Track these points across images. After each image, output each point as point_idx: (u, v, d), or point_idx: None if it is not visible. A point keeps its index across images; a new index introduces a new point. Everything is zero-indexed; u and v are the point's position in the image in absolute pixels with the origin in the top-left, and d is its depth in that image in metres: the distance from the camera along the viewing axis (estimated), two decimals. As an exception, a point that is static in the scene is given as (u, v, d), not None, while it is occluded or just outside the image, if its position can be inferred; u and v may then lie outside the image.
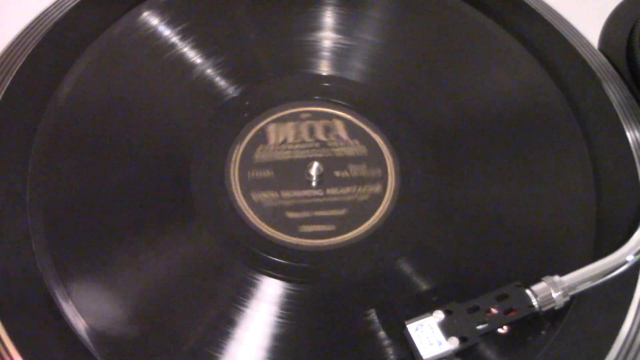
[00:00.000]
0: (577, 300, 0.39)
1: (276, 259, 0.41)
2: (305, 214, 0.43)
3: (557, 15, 0.53)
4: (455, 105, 0.48)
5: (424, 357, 0.36)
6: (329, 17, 0.51)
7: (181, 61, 0.47)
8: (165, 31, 0.49)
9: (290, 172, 0.44)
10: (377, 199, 0.44)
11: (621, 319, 0.39)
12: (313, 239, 0.42)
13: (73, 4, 0.49)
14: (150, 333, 0.37)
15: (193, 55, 0.48)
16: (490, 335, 0.37)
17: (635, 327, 0.39)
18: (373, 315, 0.38)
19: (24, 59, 0.45)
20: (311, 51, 0.49)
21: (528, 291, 0.38)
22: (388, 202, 0.43)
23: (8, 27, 0.48)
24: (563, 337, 0.38)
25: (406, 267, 0.41)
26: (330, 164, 0.45)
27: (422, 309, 0.37)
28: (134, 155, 0.43)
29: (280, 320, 0.38)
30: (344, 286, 0.40)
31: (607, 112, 0.47)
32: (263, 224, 0.42)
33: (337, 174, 0.45)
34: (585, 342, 0.38)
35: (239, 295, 0.39)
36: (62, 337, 0.36)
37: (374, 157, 0.45)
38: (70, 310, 0.37)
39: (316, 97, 0.47)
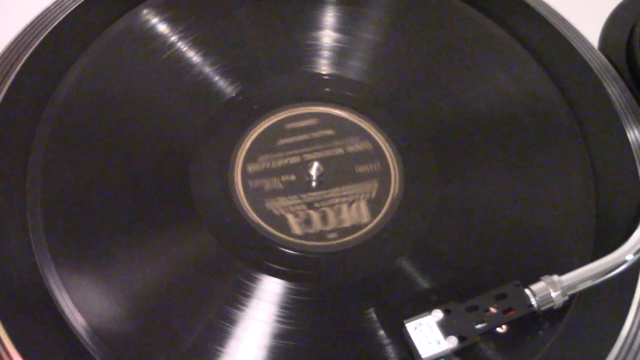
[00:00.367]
0: (578, 300, 0.39)
1: (276, 259, 0.41)
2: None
3: (557, 15, 0.53)
4: (455, 105, 0.48)
5: (422, 356, 0.36)
6: (329, 17, 0.51)
7: (181, 61, 0.47)
8: (165, 31, 0.49)
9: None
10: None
11: (622, 319, 0.39)
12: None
13: (73, 4, 0.49)
14: (150, 333, 0.37)
15: (193, 55, 0.48)
16: (489, 334, 0.37)
17: (635, 327, 0.39)
18: (372, 314, 0.39)
19: (25, 58, 0.45)
20: (311, 51, 0.49)
21: (527, 291, 0.38)
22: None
23: (9, 26, 0.48)
24: (563, 337, 0.38)
25: (405, 267, 0.41)
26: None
27: (421, 308, 0.37)
28: (133, 154, 0.43)
29: (280, 319, 0.38)
30: (343, 285, 0.40)
31: (607, 112, 0.47)
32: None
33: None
34: (586, 342, 0.38)
35: (239, 295, 0.39)
36: (62, 337, 0.36)
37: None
38: (70, 310, 0.37)
39: (316, 97, 0.47)
